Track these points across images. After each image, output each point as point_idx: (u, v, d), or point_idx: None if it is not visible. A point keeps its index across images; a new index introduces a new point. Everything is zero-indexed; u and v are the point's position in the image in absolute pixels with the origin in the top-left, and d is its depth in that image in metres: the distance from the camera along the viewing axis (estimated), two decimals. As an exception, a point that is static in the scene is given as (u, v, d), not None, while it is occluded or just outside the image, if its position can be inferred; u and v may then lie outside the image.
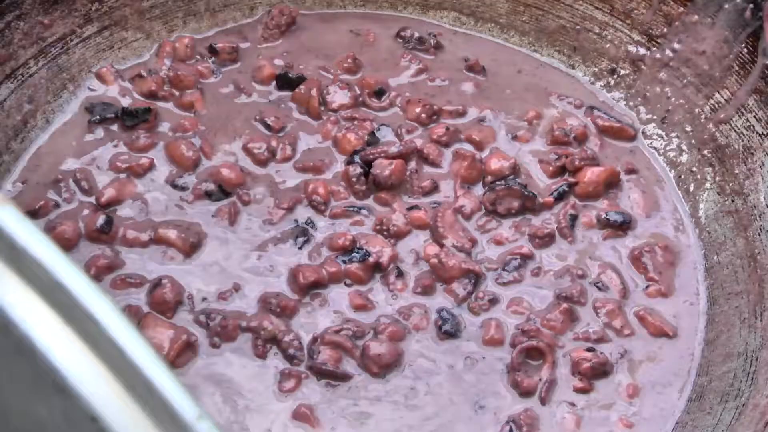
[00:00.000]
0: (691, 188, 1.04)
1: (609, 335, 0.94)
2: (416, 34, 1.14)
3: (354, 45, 1.15)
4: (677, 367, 0.93)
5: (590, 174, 1.02)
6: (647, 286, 0.97)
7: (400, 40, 1.15)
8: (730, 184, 1.01)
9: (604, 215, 1.00)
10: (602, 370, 0.91)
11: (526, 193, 1.00)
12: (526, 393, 0.90)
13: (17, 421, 0.51)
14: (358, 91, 1.09)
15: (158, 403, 0.42)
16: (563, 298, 0.95)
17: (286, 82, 1.09)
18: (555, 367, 0.91)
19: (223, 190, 1.00)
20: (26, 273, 0.47)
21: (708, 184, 1.03)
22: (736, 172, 1.01)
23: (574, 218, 1.00)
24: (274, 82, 1.09)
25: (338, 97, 1.08)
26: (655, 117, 1.09)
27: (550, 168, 1.04)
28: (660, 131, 1.08)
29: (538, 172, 1.04)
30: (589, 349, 0.92)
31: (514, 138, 1.06)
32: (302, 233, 0.98)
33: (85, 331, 0.45)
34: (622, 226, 1.00)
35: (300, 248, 0.97)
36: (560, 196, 1.02)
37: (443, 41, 1.15)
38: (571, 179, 1.03)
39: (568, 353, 0.92)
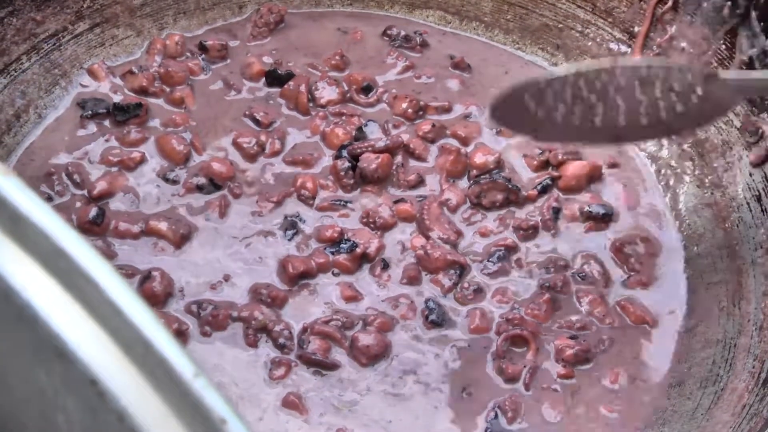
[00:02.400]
0: (671, 181, 1.06)
1: (591, 323, 0.95)
2: (402, 33, 1.16)
3: (342, 43, 1.17)
4: (658, 355, 0.95)
5: (573, 168, 1.04)
6: (629, 277, 0.99)
7: (387, 39, 1.17)
8: (709, 177, 1.03)
9: (586, 207, 1.02)
10: (584, 357, 0.93)
11: (510, 186, 1.02)
12: (510, 379, 0.91)
13: (19, 389, 0.52)
14: (346, 88, 1.11)
15: (155, 363, 0.43)
16: (546, 288, 0.97)
17: (275, 78, 1.10)
18: (538, 353, 0.93)
19: (214, 184, 1.02)
20: (25, 241, 0.48)
21: (688, 178, 1.05)
22: (715, 165, 1.03)
23: (557, 211, 1.02)
24: (263, 79, 1.11)
25: (326, 93, 1.10)
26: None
27: (534, 162, 1.06)
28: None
29: (522, 166, 1.06)
30: (572, 337, 0.94)
31: (499, 133, 1.08)
32: (291, 226, 1.00)
33: (84, 296, 0.46)
34: (605, 219, 1.02)
35: (289, 240, 0.99)
36: (543, 190, 1.04)
37: (429, 40, 1.17)
38: (555, 173, 1.05)
39: (552, 341, 0.94)
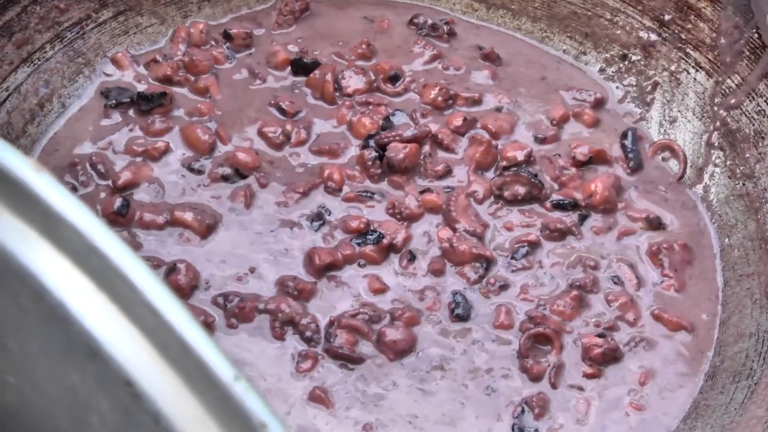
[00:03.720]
0: (703, 172, 1.05)
1: (621, 326, 0.94)
2: (429, 21, 1.15)
3: (368, 31, 1.15)
4: (691, 352, 0.94)
5: (595, 186, 1.02)
6: (662, 282, 0.98)
7: (414, 27, 1.15)
8: (741, 168, 1.02)
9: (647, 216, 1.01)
10: (613, 356, 0.91)
11: (533, 181, 1.00)
12: (536, 378, 0.90)
13: (51, 389, 0.51)
14: (373, 77, 1.09)
15: (193, 365, 0.43)
16: (575, 287, 0.95)
17: (300, 67, 1.09)
18: (562, 351, 0.92)
19: (240, 174, 1.01)
20: (58, 239, 0.47)
21: (719, 169, 1.04)
22: (747, 156, 1.02)
23: (583, 218, 1.01)
24: (288, 68, 1.10)
25: (353, 82, 1.09)
26: (666, 102, 1.09)
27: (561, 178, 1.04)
28: (671, 117, 1.08)
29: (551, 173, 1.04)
30: (601, 335, 0.92)
31: (543, 141, 1.07)
32: (317, 217, 0.99)
33: (119, 295, 0.46)
34: (661, 225, 1.01)
35: (315, 231, 0.98)
36: (561, 207, 1.02)
37: (456, 29, 1.16)
38: (582, 204, 1.02)
39: (579, 339, 0.92)
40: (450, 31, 1.15)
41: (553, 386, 0.90)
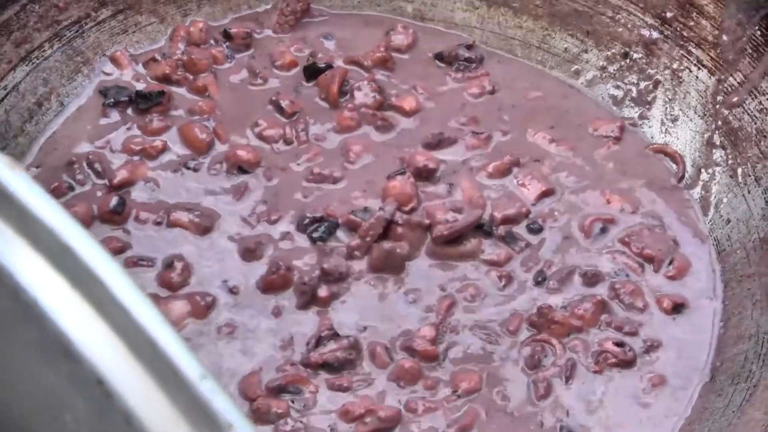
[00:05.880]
0: (703, 172, 1.04)
1: (635, 320, 0.93)
2: (463, 55, 1.13)
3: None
4: (695, 354, 0.93)
5: None
6: (662, 273, 0.97)
7: (444, 64, 1.13)
8: (742, 167, 1.01)
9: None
10: (626, 364, 0.91)
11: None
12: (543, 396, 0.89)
13: (27, 388, 0.51)
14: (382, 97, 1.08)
15: (162, 364, 0.42)
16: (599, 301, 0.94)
17: (314, 72, 1.08)
18: (564, 353, 0.91)
19: (243, 170, 1.01)
20: (34, 238, 0.47)
21: (720, 168, 1.03)
22: (749, 155, 1.01)
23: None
24: (293, 69, 1.09)
25: (363, 95, 1.07)
26: (667, 101, 1.08)
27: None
28: (673, 115, 1.07)
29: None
30: (619, 344, 0.91)
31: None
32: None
33: (92, 294, 0.45)
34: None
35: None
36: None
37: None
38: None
39: (597, 343, 0.91)
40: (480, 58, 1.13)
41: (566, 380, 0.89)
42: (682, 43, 1.07)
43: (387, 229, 0.96)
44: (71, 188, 0.99)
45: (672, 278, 0.97)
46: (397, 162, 1.03)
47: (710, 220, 1.01)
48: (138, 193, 0.99)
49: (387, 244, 0.95)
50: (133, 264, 0.94)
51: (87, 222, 0.96)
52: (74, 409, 0.48)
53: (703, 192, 1.03)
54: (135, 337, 0.44)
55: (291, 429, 0.85)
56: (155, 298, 0.91)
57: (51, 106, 1.05)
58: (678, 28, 1.07)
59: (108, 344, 0.45)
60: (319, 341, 0.90)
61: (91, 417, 0.47)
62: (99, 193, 0.98)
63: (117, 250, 0.94)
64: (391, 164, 1.03)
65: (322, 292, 0.93)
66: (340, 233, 0.97)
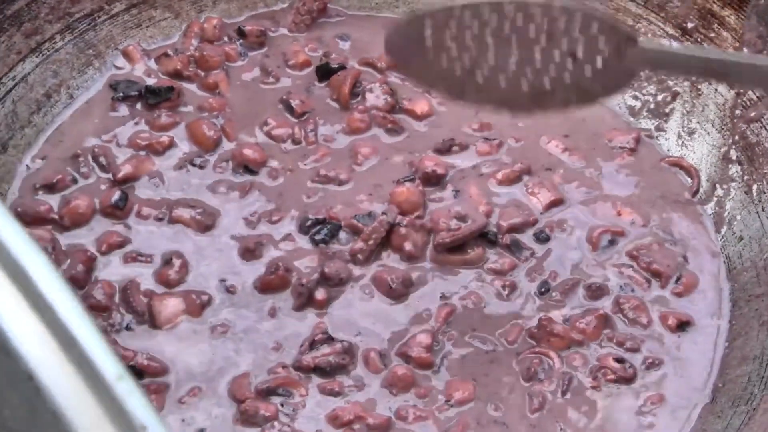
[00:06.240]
0: (718, 187, 1.01)
1: (638, 336, 0.91)
2: None
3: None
4: (699, 374, 0.90)
5: None
6: (669, 290, 0.94)
7: None
8: (758, 184, 0.98)
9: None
10: (625, 380, 0.89)
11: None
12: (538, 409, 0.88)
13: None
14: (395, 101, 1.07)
15: (85, 362, 0.41)
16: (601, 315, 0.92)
17: (326, 72, 1.07)
18: (562, 367, 0.89)
19: (249, 170, 1.00)
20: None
21: (735, 184, 1.00)
22: (765, 171, 0.98)
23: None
24: (306, 69, 1.08)
25: (374, 97, 1.06)
26: (685, 113, 1.06)
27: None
28: (690, 128, 1.05)
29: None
30: (619, 360, 0.89)
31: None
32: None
33: (26, 289, 0.45)
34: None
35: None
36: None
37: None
38: None
39: (597, 358, 0.89)
40: None
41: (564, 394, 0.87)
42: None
43: (390, 233, 0.95)
44: (75, 181, 0.98)
45: (679, 295, 0.94)
46: (405, 166, 1.01)
47: (723, 237, 0.99)
48: (142, 189, 0.98)
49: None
50: (132, 259, 0.93)
51: (88, 215, 0.95)
52: (11, 404, 0.47)
53: (717, 208, 1.00)
54: (62, 333, 0.43)
55: (277, 433, 0.84)
56: (151, 295, 0.90)
57: (60, 98, 1.05)
58: (699, 39, 1.05)
59: (41, 340, 0.44)
60: (312, 345, 0.89)
61: (24, 413, 0.46)
62: (103, 187, 0.98)
63: (117, 244, 0.94)
64: (399, 168, 1.01)
65: (320, 294, 0.92)
66: (343, 236, 0.96)
